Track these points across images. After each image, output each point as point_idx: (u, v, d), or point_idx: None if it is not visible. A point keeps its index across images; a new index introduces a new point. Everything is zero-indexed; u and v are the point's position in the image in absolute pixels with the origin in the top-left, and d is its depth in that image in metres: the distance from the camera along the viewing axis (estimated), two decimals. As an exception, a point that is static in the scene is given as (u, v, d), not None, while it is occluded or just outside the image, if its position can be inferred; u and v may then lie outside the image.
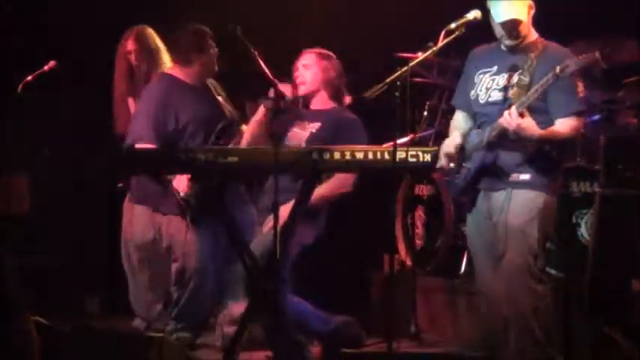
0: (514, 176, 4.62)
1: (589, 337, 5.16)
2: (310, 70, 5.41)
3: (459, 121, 4.92)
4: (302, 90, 5.40)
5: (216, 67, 5.71)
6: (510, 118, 4.44)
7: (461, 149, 4.74)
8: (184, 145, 5.45)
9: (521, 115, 4.44)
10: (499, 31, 4.69)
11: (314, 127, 5.34)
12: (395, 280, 5.51)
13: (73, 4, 7.00)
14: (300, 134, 5.34)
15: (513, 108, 4.45)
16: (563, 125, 4.56)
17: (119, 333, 5.08)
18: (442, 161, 4.76)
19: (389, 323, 4.53)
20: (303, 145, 5.23)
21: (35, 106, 6.14)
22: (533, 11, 4.68)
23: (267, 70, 4.89)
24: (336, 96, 5.45)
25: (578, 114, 4.60)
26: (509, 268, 4.59)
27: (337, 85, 5.45)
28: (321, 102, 5.45)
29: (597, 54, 4.32)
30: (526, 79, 4.56)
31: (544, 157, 4.61)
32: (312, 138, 5.27)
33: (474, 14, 4.70)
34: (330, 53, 5.49)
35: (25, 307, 3.62)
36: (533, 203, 4.59)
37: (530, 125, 4.47)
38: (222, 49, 5.72)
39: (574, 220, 5.75)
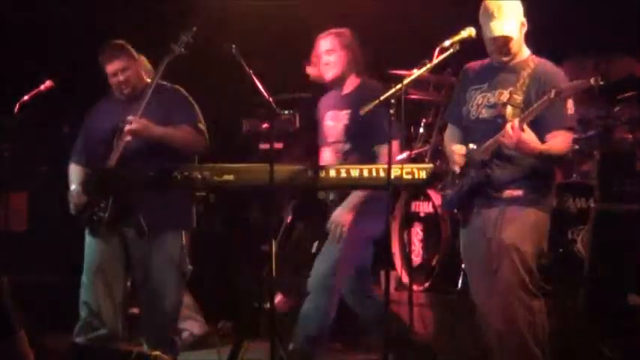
0: (507, 192, 4.62)
1: (585, 353, 5.16)
2: (335, 53, 5.41)
3: (453, 136, 4.93)
4: (330, 75, 5.41)
5: (114, 82, 5.40)
6: (512, 132, 4.44)
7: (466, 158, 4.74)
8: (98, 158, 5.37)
9: (522, 129, 4.44)
10: (490, 47, 4.70)
11: (345, 116, 5.35)
12: (392, 296, 5.49)
13: (71, 24, 7.04)
14: (335, 127, 5.38)
15: (516, 121, 4.44)
16: (556, 141, 4.55)
17: (112, 351, 5.07)
18: (456, 163, 4.74)
19: (386, 339, 4.52)
20: (341, 143, 5.34)
21: (33, 124, 6.16)
22: (525, 29, 4.69)
23: (262, 89, 4.90)
24: (358, 71, 5.45)
25: (567, 129, 4.61)
26: (503, 285, 4.59)
27: (359, 60, 5.45)
28: (350, 83, 5.44)
29: (592, 80, 4.32)
30: (519, 98, 4.57)
31: (536, 173, 4.61)
32: (347, 132, 5.32)
33: (469, 32, 4.69)
34: (344, 30, 5.48)
35: (20, 325, 3.61)
36: (526, 219, 4.60)
37: (532, 139, 4.46)
38: (218, 67, 5.73)
39: (570, 236, 5.76)
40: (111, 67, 5.40)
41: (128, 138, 5.19)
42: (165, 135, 5.30)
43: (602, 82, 4.37)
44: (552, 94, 4.35)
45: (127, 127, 5.16)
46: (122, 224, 5.28)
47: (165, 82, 5.46)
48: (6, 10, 7.01)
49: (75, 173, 5.55)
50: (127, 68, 5.41)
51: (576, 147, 5.81)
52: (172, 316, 5.42)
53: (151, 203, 5.17)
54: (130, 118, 5.18)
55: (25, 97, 5.95)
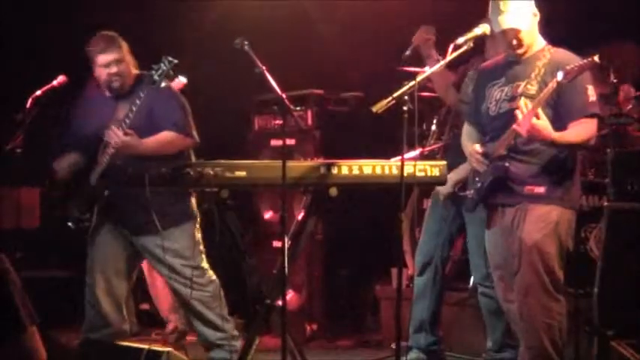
0: (528, 188, 4.57)
1: (598, 352, 5.14)
2: None
3: (470, 135, 4.90)
4: None
5: (104, 74, 5.35)
6: (525, 118, 4.40)
7: (484, 155, 4.71)
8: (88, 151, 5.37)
9: (536, 116, 4.39)
10: (503, 42, 4.67)
11: None
12: (403, 294, 5.48)
13: (80, 19, 7.05)
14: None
15: (528, 105, 4.40)
16: (576, 129, 4.49)
17: (126, 347, 5.07)
18: (478, 162, 4.74)
19: (398, 337, 4.51)
20: None
21: (45, 120, 6.16)
22: (537, 18, 4.64)
23: (274, 85, 4.88)
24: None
25: (590, 116, 4.53)
26: (523, 286, 4.57)
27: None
28: None
29: (596, 57, 4.28)
30: (533, 88, 4.53)
31: (558, 166, 4.56)
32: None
33: (483, 29, 4.68)
34: None
35: (32, 322, 3.61)
36: (548, 218, 4.55)
37: (545, 126, 4.40)
38: (231, 62, 5.72)
39: (582, 235, 5.74)
40: (104, 58, 5.31)
41: (113, 151, 5.15)
42: (151, 149, 5.23)
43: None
44: (560, 76, 4.29)
45: (114, 144, 5.11)
46: (115, 227, 5.34)
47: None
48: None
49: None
50: (120, 60, 5.33)
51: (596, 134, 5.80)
52: (200, 306, 5.48)
53: (147, 203, 5.11)
54: (116, 141, 5.10)
55: (38, 92, 5.95)
